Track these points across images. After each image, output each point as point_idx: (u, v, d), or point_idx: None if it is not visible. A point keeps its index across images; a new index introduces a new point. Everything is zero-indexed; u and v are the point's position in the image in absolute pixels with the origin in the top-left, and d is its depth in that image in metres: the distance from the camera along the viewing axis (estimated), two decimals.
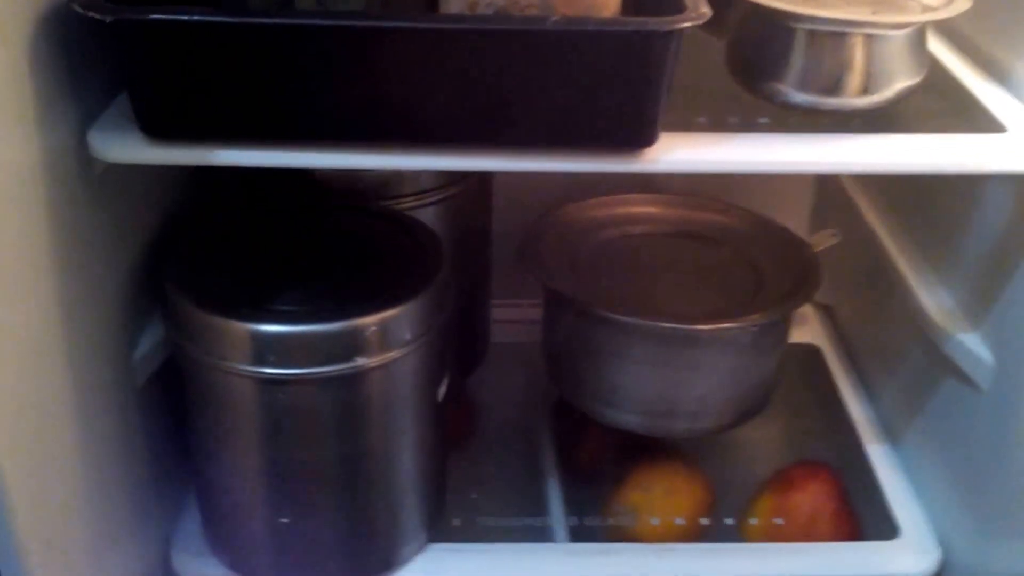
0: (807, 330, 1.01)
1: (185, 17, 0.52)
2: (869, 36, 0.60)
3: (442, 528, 0.77)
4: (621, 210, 0.89)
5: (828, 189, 1.01)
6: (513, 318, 0.98)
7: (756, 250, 0.84)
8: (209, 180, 0.81)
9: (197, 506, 0.75)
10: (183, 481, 0.77)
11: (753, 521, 0.81)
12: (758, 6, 0.61)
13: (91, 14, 0.52)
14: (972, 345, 0.71)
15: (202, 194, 0.80)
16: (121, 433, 0.68)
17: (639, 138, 0.56)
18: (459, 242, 0.81)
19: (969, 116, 0.65)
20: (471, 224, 0.87)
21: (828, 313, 1.03)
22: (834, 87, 0.61)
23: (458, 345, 0.73)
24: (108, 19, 0.51)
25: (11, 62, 0.52)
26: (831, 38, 0.60)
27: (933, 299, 0.76)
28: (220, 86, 0.55)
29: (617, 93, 0.54)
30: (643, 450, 0.84)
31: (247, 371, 0.62)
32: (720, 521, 0.81)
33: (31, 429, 0.56)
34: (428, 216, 0.78)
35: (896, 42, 0.61)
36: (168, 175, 0.75)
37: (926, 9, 0.62)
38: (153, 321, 0.70)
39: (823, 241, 0.87)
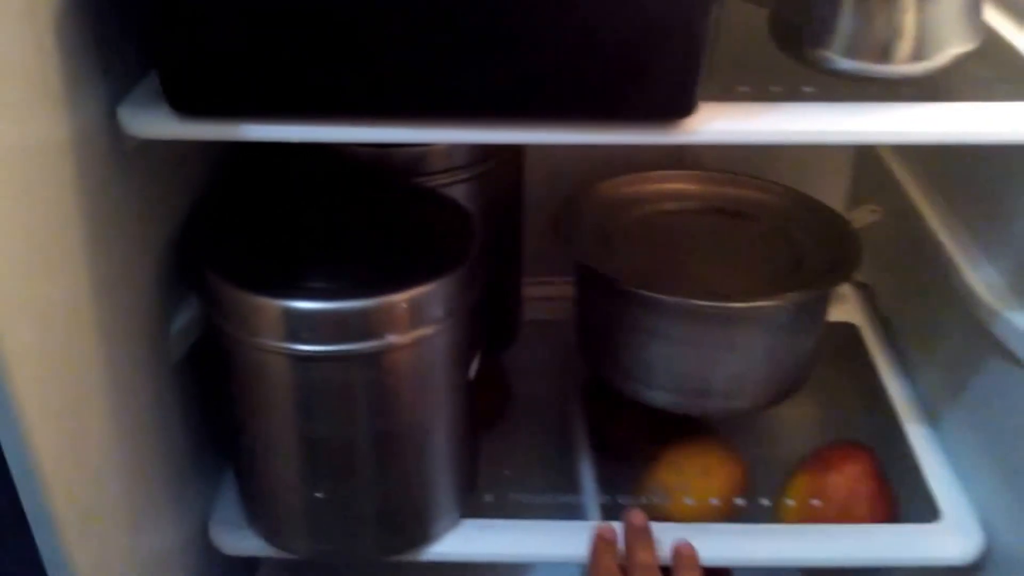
0: (845, 309, 0.99)
1: None
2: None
3: (474, 504, 0.76)
4: (655, 186, 0.88)
5: (866, 163, 0.98)
6: (545, 295, 0.97)
7: (794, 227, 0.82)
8: (241, 157, 0.80)
9: (234, 480, 0.76)
10: (220, 455, 0.77)
11: (789, 502, 0.79)
12: None
13: None
14: (1020, 323, 0.69)
15: (234, 171, 0.80)
16: (157, 408, 0.68)
17: (677, 108, 0.55)
18: (491, 219, 0.79)
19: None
20: (503, 201, 0.85)
21: (867, 292, 1.01)
22: (884, 53, 0.58)
23: (490, 322, 0.73)
24: None
25: (38, 38, 0.51)
26: (881, 1, 0.58)
27: (979, 276, 0.74)
28: (248, 58, 0.54)
29: (654, 59, 0.52)
30: (677, 429, 0.83)
31: (280, 347, 0.62)
32: (755, 501, 0.80)
33: (67, 404, 0.56)
34: (460, 193, 0.77)
35: (949, 5, 0.58)
36: (200, 151, 0.74)
37: None
38: (188, 298, 0.70)
39: (863, 217, 0.85)
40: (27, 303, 0.51)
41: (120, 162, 0.60)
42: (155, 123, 0.56)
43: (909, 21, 0.58)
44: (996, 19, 0.70)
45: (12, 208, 0.49)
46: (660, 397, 0.78)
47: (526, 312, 0.95)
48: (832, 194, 0.95)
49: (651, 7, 0.51)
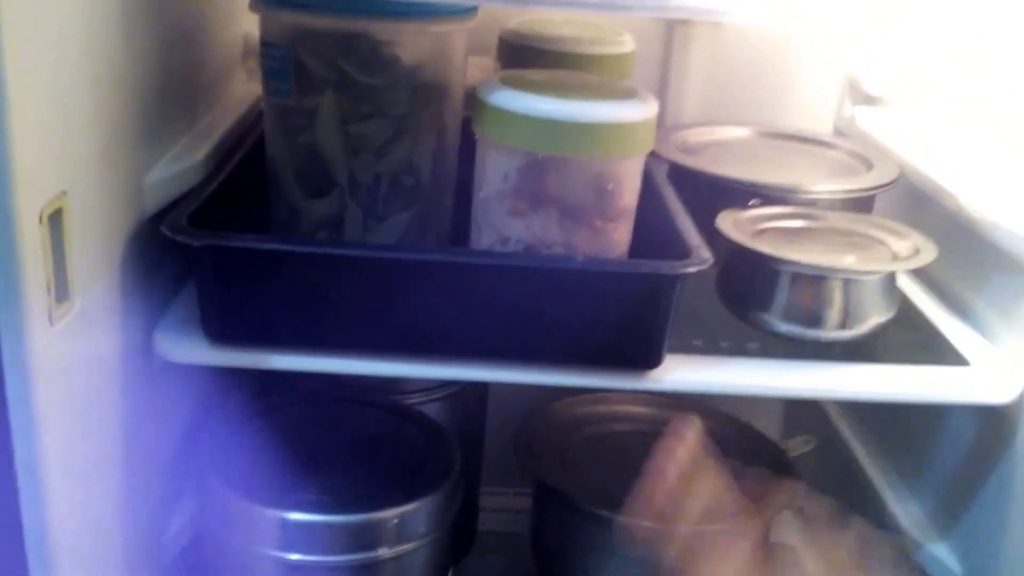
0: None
1: (266, 246, 0.59)
2: (846, 280, 0.67)
3: None
4: (606, 408, 0.94)
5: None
6: (502, 506, 1.01)
7: (733, 453, 0.90)
8: (242, 373, 0.86)
9: None
10: None
11: None
12: (745, 248, 0.68)
13: (180, 239, 0.58)
14: (941, 555, 0.75)
15: (232, 382, 0.85)
16: None
17: (647, 360, 0.63)
18: (456, 433, 0.85)
19: (935, 349, 0.71)
20: (469, 417, 0.92)
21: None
22: (815, 321, 0.68)
23: None
24: (196, 243, 0.58)
25: (107, 281, 0.58)
26: (812, 280, 0.67)
27: (903, 509, 0.81)
28: (280, 302, 0.61)
29: (629, 322, 0.61)
30: None
31: (273, 556, 0.67)
32: None
33: None
34: (433, 410, 0.83)
35: (870, 284, 0.68)
36: (209, 369, 0.79)
37: (896, 256, 0.70)
38: (182, 500, 0.74)
39: (797, 448, 0.93)
40: (76, 501, 0.55)
41: (147, 376, 0.66)
42: (188, 349, 0.63)
43: (836, 296, 0.68)
44: (910, 287, 0.80)
45: (60, 416, 0.54)
46: None
47: (482, 522, 0.99)
48: (768, 422, 1.03)
49: (631, 284, 0.61)
